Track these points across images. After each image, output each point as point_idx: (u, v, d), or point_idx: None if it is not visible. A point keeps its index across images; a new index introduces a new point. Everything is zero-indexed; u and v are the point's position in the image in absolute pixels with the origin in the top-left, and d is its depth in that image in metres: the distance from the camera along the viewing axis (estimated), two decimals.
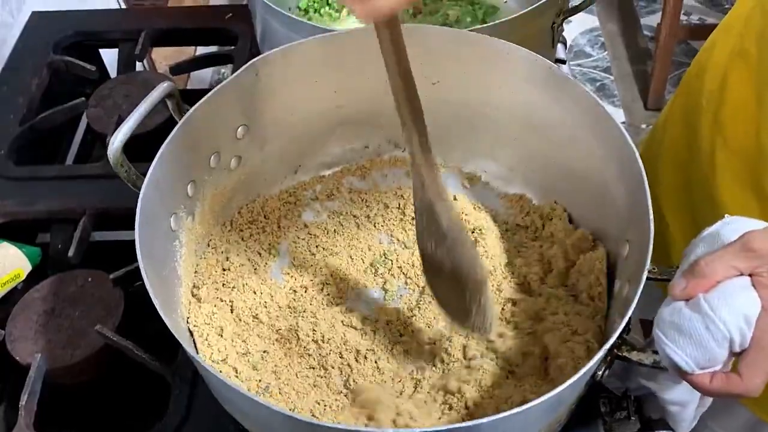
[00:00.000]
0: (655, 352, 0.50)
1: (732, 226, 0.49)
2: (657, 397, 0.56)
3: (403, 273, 0.72)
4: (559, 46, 0.98)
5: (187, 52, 1.87)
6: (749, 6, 0.69)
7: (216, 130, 0.68)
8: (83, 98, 0.93)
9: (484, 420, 0.44)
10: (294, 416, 0.46)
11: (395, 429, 0.55)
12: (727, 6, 2.39)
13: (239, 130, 0.71)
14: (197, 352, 0.62)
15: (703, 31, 2.18)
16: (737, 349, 0.46)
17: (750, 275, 0.46)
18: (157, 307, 0.51)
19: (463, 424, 0.44)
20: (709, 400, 0.60)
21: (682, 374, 0.47)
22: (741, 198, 0.67)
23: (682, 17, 2.01)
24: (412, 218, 0.76)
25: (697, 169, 0.74)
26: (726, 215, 0.51)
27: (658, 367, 0.51)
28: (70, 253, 0.75)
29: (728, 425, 0.79)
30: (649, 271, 0.51)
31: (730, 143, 0.69)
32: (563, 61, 0.98)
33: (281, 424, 0.50)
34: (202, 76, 2.08)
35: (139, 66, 1.03)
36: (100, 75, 1.01)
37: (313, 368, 0.64)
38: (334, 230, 0.75)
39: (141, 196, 0.57)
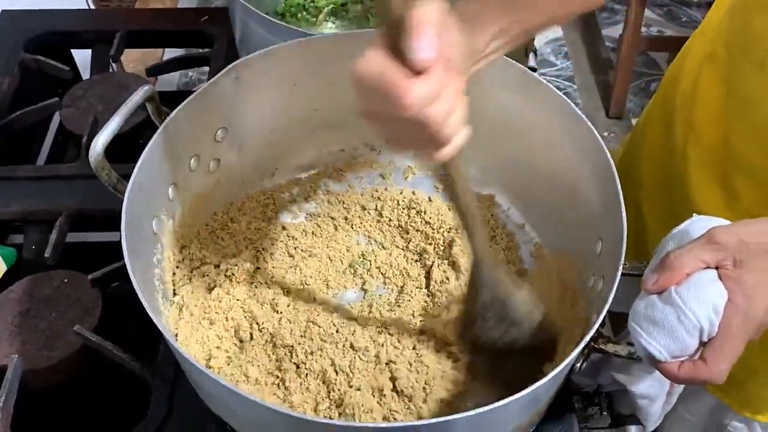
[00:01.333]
0: (630, 344, 0.53)
1: (699, 224, 0.52)
2: (628, 391, 0.59)
3: (382, 273, 0.73)
4: (530, 54, 1.01)
5: (154, 54, 1.86)
6: (720, 13, 0.73)
7: (196, 134, 0.69)
8: (57, 98, 0.92)
9: (467, 414, 0.46)
10: (289, 413, 0.47)
11: (386, 423, 0.57)
12: (684, 20, 2.47)
13: (218, 132, 0.72)
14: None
15: (662, 42, 2.24)
16: (706, 338, 0.48)
17: (716, 267, 0.49)
18: (144, 304, 0.51)
19: (451, 417, 0.46)
20: (674, 397, 0.62)
21: (655, 363, 0.50)
22: (710, 192, 0.71)
23: (643, 29, 2.07)
24: (389, 220, 0.77)
25: (673, 168, 0.78)
26: (694, 214, 0.54)
27: (632, 358, 0.53)
28: (47, 253, 0.74)
29: (695, 409, 0.83)
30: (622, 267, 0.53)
31: (701, 140, 0.73)
32: (534, 69, 1.01)
33: (274, 422, 0.50)
34: (169, 78, 2.06)
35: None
36: (73, 75, 1.00)
37: (291, 370, 0.65)
38: (312, 232, 0.76)
39: (126, 198, 0.58)
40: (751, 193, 0.68)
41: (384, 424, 0.56)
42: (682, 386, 0.61)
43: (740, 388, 0.77)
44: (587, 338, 0.50)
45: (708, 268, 0.49)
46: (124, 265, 0.55)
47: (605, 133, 2.12)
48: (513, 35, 0.53)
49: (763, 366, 0.73)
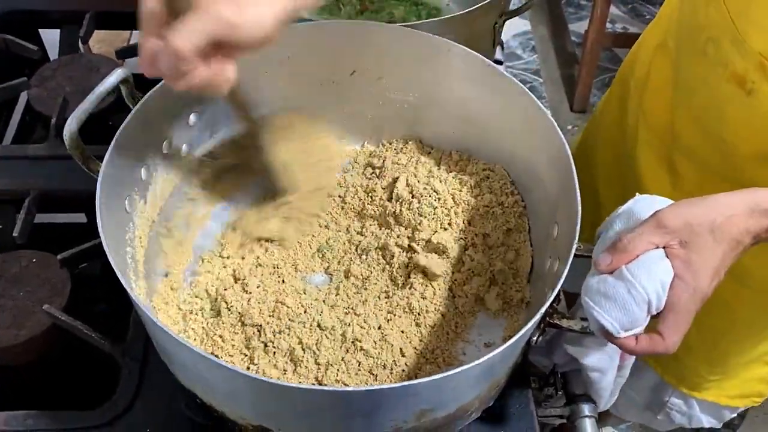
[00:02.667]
0: (583, 319, 0.56)
1: (642, 203, 0.56)
2: (580, 365, 0.62)
3: (349, 257, 0.75)
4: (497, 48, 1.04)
5: (121, 35, 1.83)
6: (671, 7, 0.79)
7: (169, 117, 0.70)
8: (24, 78, 0.91)
9: (426, 379, 0.48)
10: (263, 379, 0.48)
11: (351, 387, 0.60)
12: (648, 17, 2.53)
13: (191, 117, 0.73)
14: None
15: (626, 39, 2.30)
16: (654, 311, 0.52)
17: (664, 247, 0.53)
18: (118, 274, 0.52)
19: (410, 382, 0.49)
20: (627, 370, 0.66)
21: (608, 337, 0.53)
22: (657, 174, 0.77)
23: (608, 25, 2.12)
24: (351, 206, 0.79)
25: (625, 150, 0.84)
26: (637, 194, 0.58)
27: (585, 332, 0.57)
28: (15, 233, 0.74)
29: (637, 387, 0.88)
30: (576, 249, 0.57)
31: (650, 123, 0.78)
32: (500, 62, 1.03)
33: (246, 389, 0.52)
34: (134, 60, 2.03)
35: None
36: (41, 55, 0.99)
37: (260, 348, 0.66)
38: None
39: (101, 176, 0.59)
40: (692, 175, 0.73)
41: (349, 388, 0.59)
42: (633, 359, 0.65)
43: (678, 364, 0.83)
44: (542, 310, 0.53)
45: (657, 248, 0.53)
46: (95, 245, 0.55)
47: (569, 127, 2.17)
48: None
49: (697, 342, 0.78)
